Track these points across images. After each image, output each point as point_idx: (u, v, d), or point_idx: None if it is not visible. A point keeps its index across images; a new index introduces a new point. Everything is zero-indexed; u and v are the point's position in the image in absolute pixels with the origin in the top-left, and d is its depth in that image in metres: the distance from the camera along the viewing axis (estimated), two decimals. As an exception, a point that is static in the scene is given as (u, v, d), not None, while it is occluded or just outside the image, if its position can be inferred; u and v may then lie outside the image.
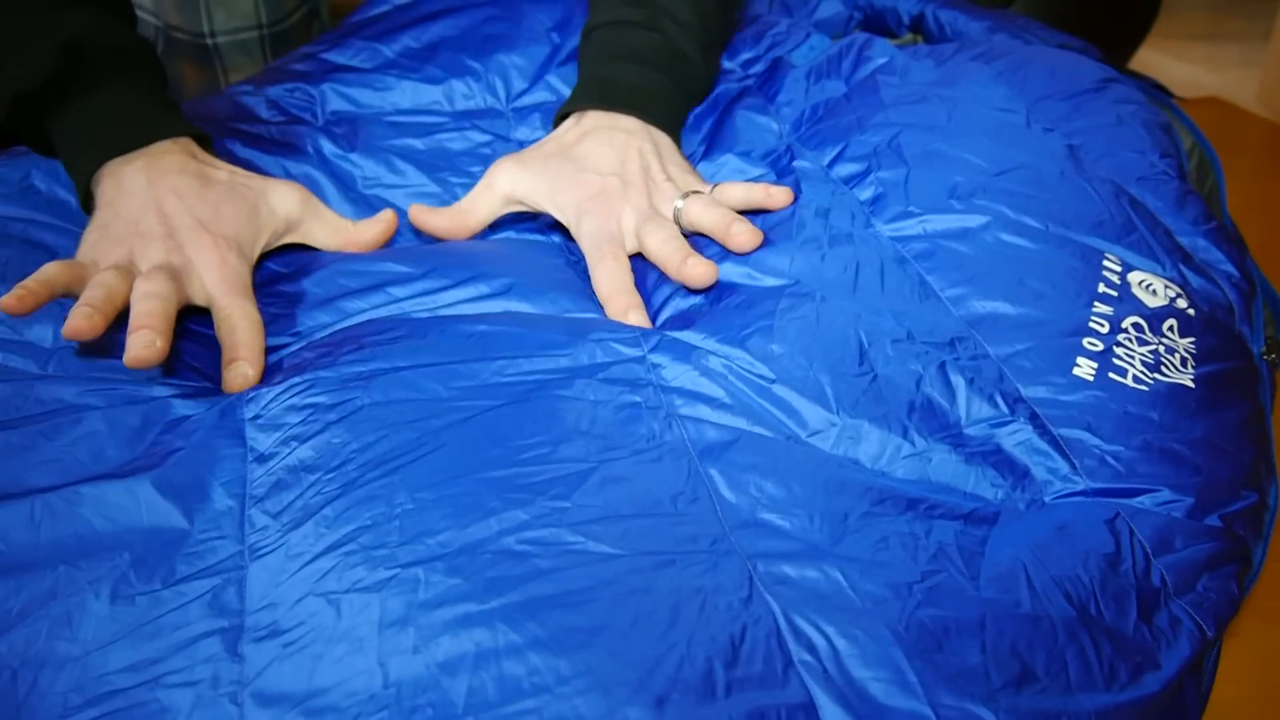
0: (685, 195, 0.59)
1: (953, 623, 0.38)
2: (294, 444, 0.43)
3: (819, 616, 0.38)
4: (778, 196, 0.57)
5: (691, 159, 0.66)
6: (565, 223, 0.60)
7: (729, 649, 0.36)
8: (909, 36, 0.80)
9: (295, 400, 0.45)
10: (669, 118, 0.65)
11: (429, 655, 0.35)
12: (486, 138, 0.70)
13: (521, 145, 0.69)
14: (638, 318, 0.55)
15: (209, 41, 0.86)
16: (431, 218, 0.62)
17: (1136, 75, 0.75)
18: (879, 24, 0.80)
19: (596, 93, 0.63)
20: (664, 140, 0.63)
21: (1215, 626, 0.43)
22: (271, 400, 0.45)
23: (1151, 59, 1.65)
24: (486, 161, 0.67)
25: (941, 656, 0.37)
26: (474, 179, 0.66)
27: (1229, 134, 1.10)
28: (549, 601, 0.37)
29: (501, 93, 0.71)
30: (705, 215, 0.57)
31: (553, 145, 0.62)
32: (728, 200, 0.59)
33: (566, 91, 0.71)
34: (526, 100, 0.71)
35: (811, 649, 0.37)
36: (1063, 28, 0.79)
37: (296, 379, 0.46)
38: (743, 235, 0.55)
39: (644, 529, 0.40)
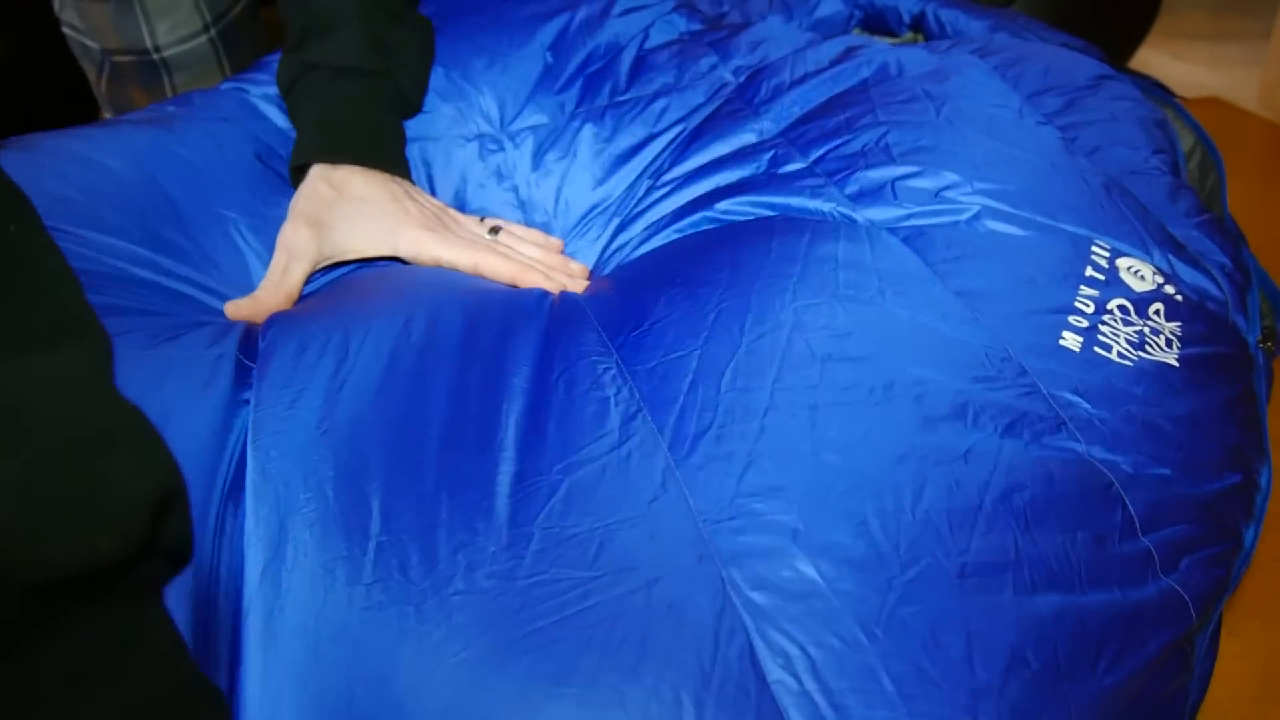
0: (489, 227, 0.64)
1: (935, 617, 0.38)
2: (279, 460, 0.43)
3: (793, 626, 0.37)
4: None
5: (681, 151, 0.66)
6: (401, 254, 0.61)
7: (699, 677, 0.36)
8: (909, 35, 0.80)
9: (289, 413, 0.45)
10: (402, 163, 0.66)
11: (403, 713, 0.35)
12: (486, 162, 0.69)
13: (540, 164, 0.68)
14: (574, 271, 0.61)
15: (155, 57, 0.83)
16: (243, 303, 0.58)
17: (1138, 75, 0.74)
18: (879, 23, 0.80)
19: (350, 147, 0.63)
20: (409, 184, 0.65)
21: (1199, 606, 0.42)
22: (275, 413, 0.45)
23: (1151, 59, 1.65)
24: (486, 186, 0.68)
25: (923, 657, 0.37)
26: (468, 205, 0.67)
27: (1229, 134, 1.10)
28: (516, 647, 0.37)
29: (495, 116, 0.70)
30: (523, 249, 0.63)
31: (326, 192, 0.61)
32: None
33: (559, 115, 0.69)
34: (519, 124, 0.69)
35: (787, 663, 0.37)
36: (1063, 27, 0.79)
37: (283, 392, 0.46)
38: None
39: (616, 542, 0.40)
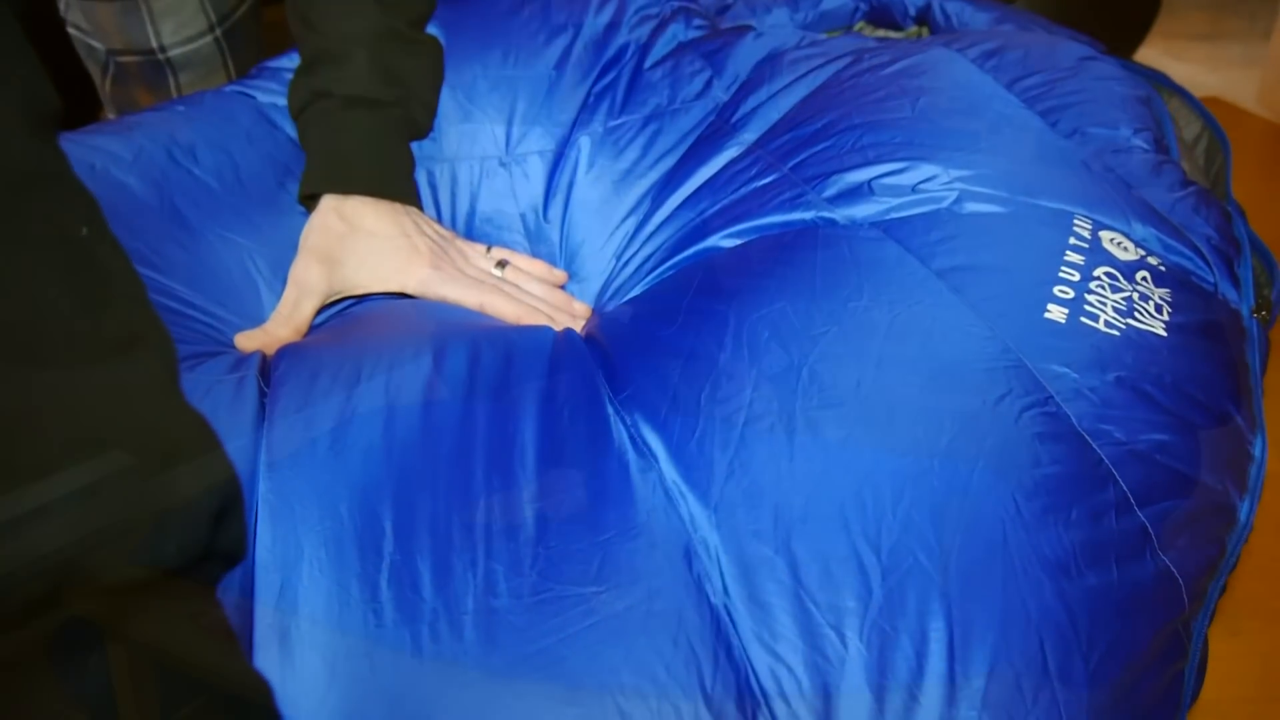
0: (496, 260, 0.65)
1: (915, 625, 0.38)
2: (294, 481, 0.43)
3: (781, 644, 0.38)
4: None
5: (669, 181, 0.66)
6: (409, 290, 0.62)
7: (700, 696, 0.37)
8: (914, 29, 0.79)
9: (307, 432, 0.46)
10: (413, 192, 0.66)
11: None
12: (493, 186, 0.69)
13: (546, 191, 0.68)
14: (576, 311, 0.61)
15: (160, 57, 0.83)
16: (254, 334, 0.59)
17: (1142, 69, 0.74)
18: (885, 16, 0.80)
19: (360, 179, 0.63)
20: (419, 215, 0.66)
21: (1193, 588, 0.42)
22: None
23: (1151, 59, 1.65)
24: (493, 212, 0.68)
25: (904, 669, 0.37)
26: (476, 232, 0.68)
27: (1229, 133, 1.10)
28: (523, 665, 0.38)
29: (501, 139, 0.69)
30: (528, 287, 0.63)
31: (337, 225, 0.62)
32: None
33: (564, 139, 0.69)
34: (526, 148, 0.69)
35: (777, 685, 0.38)
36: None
37: (297, 416, 0.46)
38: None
39: (618, 555, 0.41)
